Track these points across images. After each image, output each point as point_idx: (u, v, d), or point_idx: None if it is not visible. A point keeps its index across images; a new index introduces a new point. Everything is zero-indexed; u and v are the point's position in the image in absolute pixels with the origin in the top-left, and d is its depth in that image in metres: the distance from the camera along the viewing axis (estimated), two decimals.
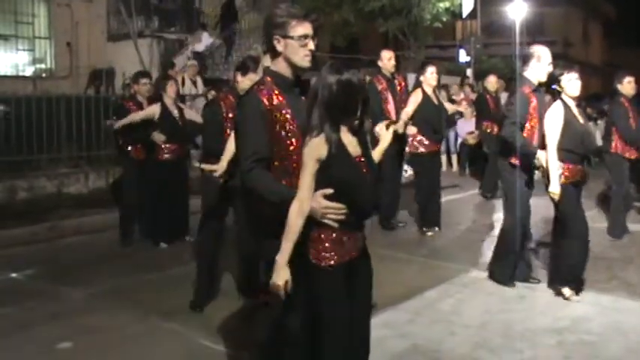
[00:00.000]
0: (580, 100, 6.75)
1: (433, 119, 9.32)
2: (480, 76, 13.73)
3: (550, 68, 6.56)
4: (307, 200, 3.49)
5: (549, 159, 6.22)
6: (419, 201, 9.61)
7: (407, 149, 9.61)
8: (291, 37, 3.77)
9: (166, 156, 8.68)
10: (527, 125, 6.49)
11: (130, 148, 8.87)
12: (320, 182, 3.50)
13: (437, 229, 9.51)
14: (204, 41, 18.23)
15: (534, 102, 6.51)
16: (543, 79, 6.57)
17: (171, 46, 18.33)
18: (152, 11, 18.45)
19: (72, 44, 17.80)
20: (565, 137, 6.20)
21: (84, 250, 8.92)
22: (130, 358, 5.34)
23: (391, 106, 9.45)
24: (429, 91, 9.35)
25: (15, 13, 17.52)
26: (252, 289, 6.08)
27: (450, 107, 10.71)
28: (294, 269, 3.55)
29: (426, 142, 9.34)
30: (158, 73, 15.15)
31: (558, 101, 6.32)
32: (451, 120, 16.54)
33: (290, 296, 3.58)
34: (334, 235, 3.55)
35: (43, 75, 17.58)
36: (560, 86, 6.34)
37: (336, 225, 3.52)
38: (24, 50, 17.90)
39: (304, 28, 3.79)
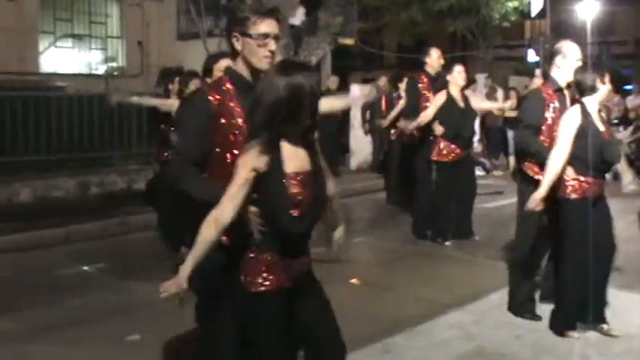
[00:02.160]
0: None
1: (457, 123, 8.80)
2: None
3: (579, 64, 5.76)
4: (227, 211, 3.12)
5: (549, 163, 5.37)
6: (433, 209, 9.06)
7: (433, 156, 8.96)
8: (250, 36, 3.47)
9: None
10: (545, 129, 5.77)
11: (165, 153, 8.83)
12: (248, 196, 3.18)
13: (476, 238, 9.13)
14: (299, 15, 18.14)
15: (555, 104, 5.79)
16: (571, 78, 5.73)
17: None
18: (221, 10, 18.63)
19: (143, 43, 18.10)
20: (577, 146, 5.33)
21: (151, 245, 9.05)
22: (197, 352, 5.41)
23: None
24: (455, 92, 8.89)
25: (89, 13, 17.90)
26: None
27: (486, 106, 10.19)
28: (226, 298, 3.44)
29: (451, 147, 8.84)
30: None
31: (577, 105, 5.44)
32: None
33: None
34: (268, 259, 3.23)
35: (115, 73, 17.91)
36: (595, 89, 5.40)
37: (259, 236, 3.22)
38: (97, 49, 18.28)
39: (266, 26, 3.47)
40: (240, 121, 3.45)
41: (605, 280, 5.62)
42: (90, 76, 17.09)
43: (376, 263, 7.87)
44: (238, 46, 3.52)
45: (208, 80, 5.54)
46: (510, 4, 22.68)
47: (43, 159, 11.40)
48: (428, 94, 9.13)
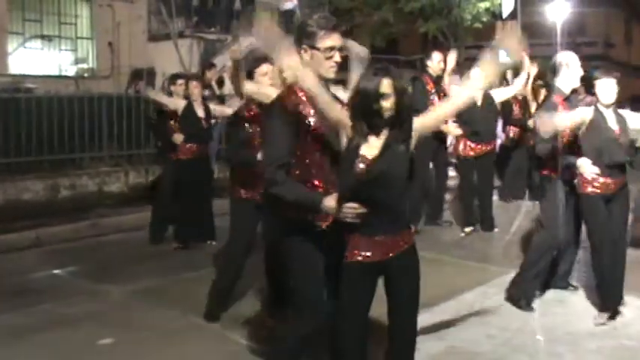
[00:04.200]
0: (620, 103, 6.41)
1: (477, 121, 9.19)
2: None
3: (581, 72, 6.32)
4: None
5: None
6: (463, 201, 9.74)
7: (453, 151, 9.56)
8: (318, 49, 3.85)
9: (185, 156, 8.72)
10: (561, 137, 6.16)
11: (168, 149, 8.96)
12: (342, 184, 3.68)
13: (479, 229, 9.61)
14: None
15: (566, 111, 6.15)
16: (577, 84, 6.39)
17: (211, 46, 18.43)
18: (192, 12, 18.57)
19: (113, 44, 18.01)
20: (587, 145, 5.88)
21: (124, 247, 9.04)
22: (170, 356, 5.40)
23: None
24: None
25: (59, 14, 17.78)
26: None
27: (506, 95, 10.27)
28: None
29: (473, 145, 9.40)
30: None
31: (592, 107, 5.95)
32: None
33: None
34: (363, 236, 3.69)
35: (85, 75, 17.80)
36: (593, 92, 5.97)
37: (357, 221, 3.61)
38: (67, 50, 18.15)
39: (332, 40, 3.85)
40: (312, 122, 3.85)
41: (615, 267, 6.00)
42: (60, 77, 16.96)
43: None
44: (306, 57, 3.88)
45: (251, 83, 5.78)
46: (482, 5, 22.76)
47: (13, 161, 11.27)
48: (434, 96, 9.41)
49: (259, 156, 5.22)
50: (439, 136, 9.52)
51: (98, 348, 5.54)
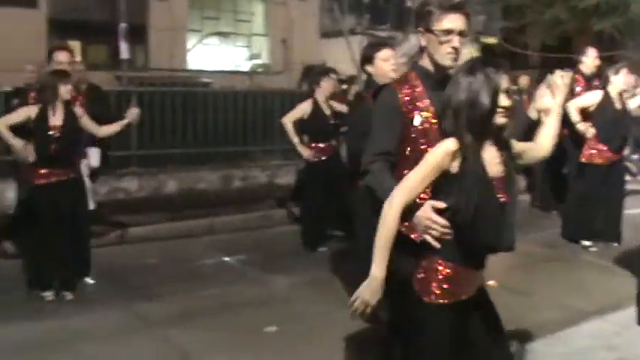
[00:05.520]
0: None
1: (612, 126, 8.38)
2: None
3: None
4: (403, 197, 2.93)
5: None
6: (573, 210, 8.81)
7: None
8: (432, 32, 3.30)
9: (318, 157, 8.73)
10: None
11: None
12: (444, 199, 2.97)
13: (616, 244, 8.63)
14: None
15: None
16: None
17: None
18: (364, 9, 18.72)
19: (286, 41, 18.42)
20: None
21: (291, 239, 9.19)
22: (334, 345, 5.45)
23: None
24: (614, 92, 8.35)
25: (234, 12, 18.42)
26: None
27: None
28: (396, 300, 3.17)
29: (603, 149, 8.47)
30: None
31: None
32: None
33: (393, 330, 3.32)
34: (448, 269, 3.01)
35: (259, 70, 18.32)
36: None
37: (437, 245, 2.96)
38: (242, 46, 18.76)
39: (449, 22, 3.28)
40: (428, 115, 3.33)
41: None
42: (235, 72, 17.54)
43: (514, 266, 7.71)
44: (423, 41, 3.40)
45: (369, 68, 5.56)
46: None
47: (189, 152, 11.81)
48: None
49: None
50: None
51: (264, 335, 5.72)
